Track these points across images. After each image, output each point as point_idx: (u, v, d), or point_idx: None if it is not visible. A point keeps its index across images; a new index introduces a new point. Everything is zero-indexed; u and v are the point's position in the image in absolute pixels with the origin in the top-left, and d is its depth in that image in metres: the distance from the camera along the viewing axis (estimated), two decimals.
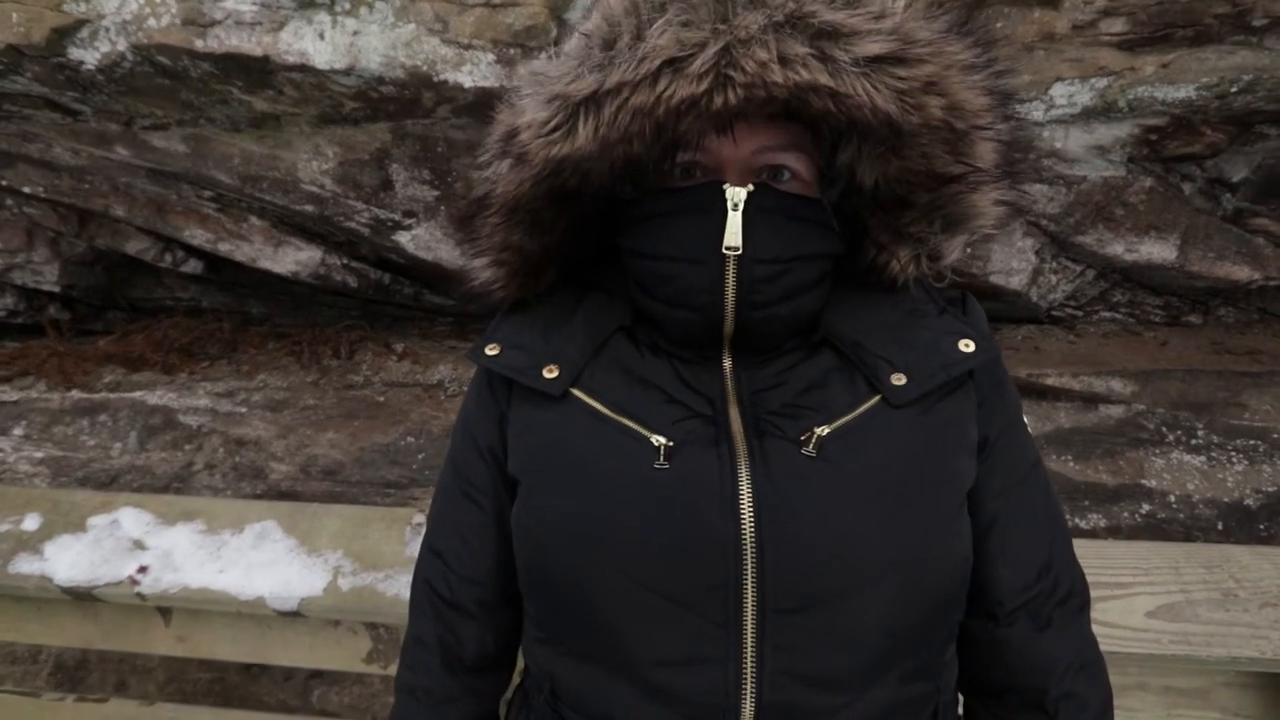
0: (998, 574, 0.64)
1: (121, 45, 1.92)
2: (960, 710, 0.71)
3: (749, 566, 0.55)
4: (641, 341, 0.65)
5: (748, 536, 0.55)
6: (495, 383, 0.68)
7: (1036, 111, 1.98)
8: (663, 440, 0.58)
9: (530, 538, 0.63)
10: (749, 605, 0.55)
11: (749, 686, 0.55)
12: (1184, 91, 1.90)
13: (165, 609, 1.33)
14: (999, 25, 1.87)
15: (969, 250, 0.66)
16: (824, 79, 0.52)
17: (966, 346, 0.62)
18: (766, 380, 0.62)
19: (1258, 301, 2.43)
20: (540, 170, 0.59)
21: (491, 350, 0.66)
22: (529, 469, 0.64)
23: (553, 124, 0.57)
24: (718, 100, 0.52)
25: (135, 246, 2.76)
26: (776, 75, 0.52)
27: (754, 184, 0.58)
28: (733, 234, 0.56)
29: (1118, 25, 1.82)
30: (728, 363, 0.63)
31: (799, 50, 0.52)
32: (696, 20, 0.53)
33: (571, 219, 0.64)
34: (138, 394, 2.55)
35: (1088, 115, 1.98)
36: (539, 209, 0.62)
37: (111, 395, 2.56)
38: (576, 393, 0.62)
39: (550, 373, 0.63)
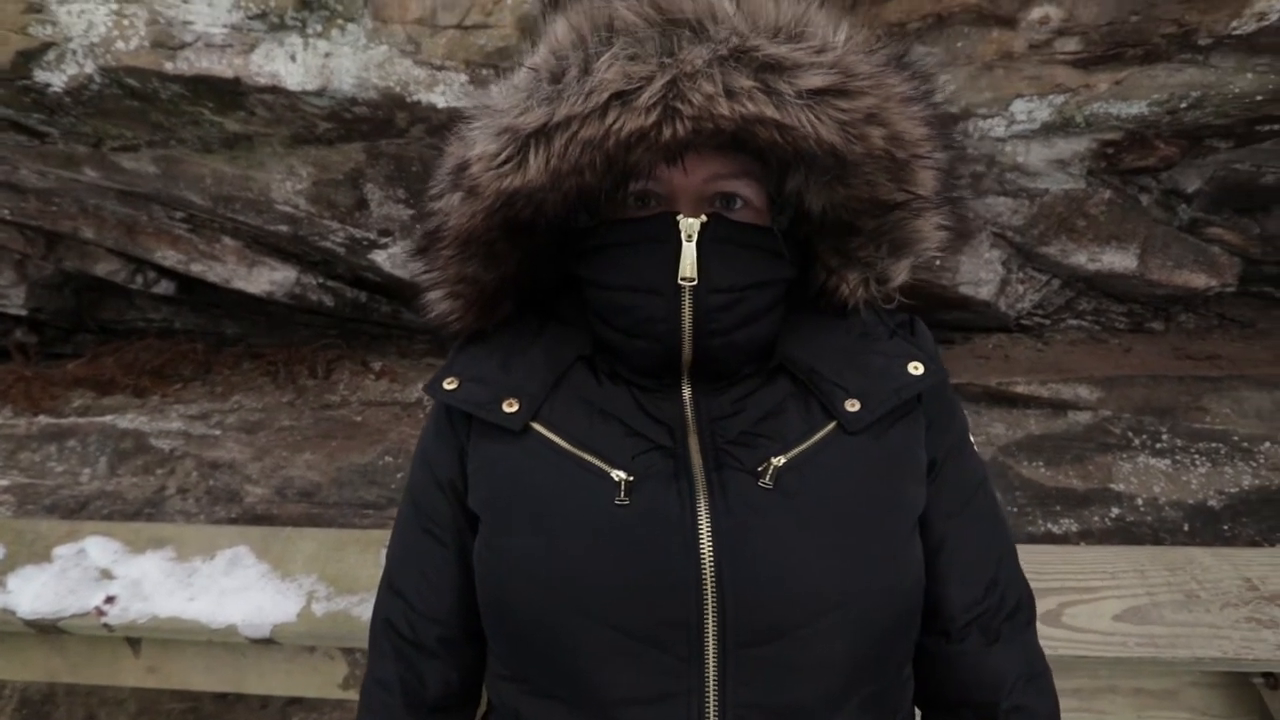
0: (948, 592, 0.65)
1: (89, 68, 1.90)
2: None
3: (710, 602, 0.55)
4: (600, 370, 0.65)
5: (708, 572, 0.55)
6: (454, 416, 0.67)
7: (999, 127, 2.04)
8: (623, 475, 0.58)
9: (492, 575, 0.62)
10: (710, 640, 0.55)
11: None
12: (1136, 108, 1.97)
13: (134, 639, 1.30)
14: (959, 45, 1.93)
15: (938, 263, 0.68)
16: (769, 111, 0.53)
17: (916, 369, 0.63)
18: (725, 408, 0.62)
19: (1216, 307, 2.51)
20: (492, 202, 0.59)
21: (450, 384, 0.65)
22: (490, 505, 0.63)
23: (503, 156, 0.57)
24: (666, 132, 0.53)
25: (105, 268, 2.72)
26: (723, 108, 0.53)
27: (707, 214, 0.59)
28: (688, 265, 0.57)
29: (1071, 44, 1.89)
30: (687, 391, 0.63)
31: (744, 83, 0.53)
32: (643, 54, 0.54)
33: (526, 250, 0.64)
34: (108, 418, 2.50)
35: (1047, 130, 2.04)
36: (493, 240, 0.62)
37: (81, 420, 2.51)
38: (537, 427, 0.62)
39: (510, 407, 0.62)
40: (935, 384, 0.64)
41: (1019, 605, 0.68)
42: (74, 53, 1.89)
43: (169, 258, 2.56)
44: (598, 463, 0.59)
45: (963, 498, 0.67)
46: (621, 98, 0.53)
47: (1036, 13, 1.86)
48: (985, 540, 0.68)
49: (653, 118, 0.53)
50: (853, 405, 0.61)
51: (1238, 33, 1.81)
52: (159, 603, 1.25)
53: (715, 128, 0.54)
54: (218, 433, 2.45)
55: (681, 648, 0.55)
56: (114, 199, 2.43)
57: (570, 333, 0.67)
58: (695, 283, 0.58)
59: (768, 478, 0.57)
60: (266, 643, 1.23)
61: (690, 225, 0.57)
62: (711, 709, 0.55)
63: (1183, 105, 1.97)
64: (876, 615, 0.59)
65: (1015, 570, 0.70)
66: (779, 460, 0.58)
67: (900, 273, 0.66)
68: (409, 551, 0.69)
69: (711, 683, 0.55)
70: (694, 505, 0.57)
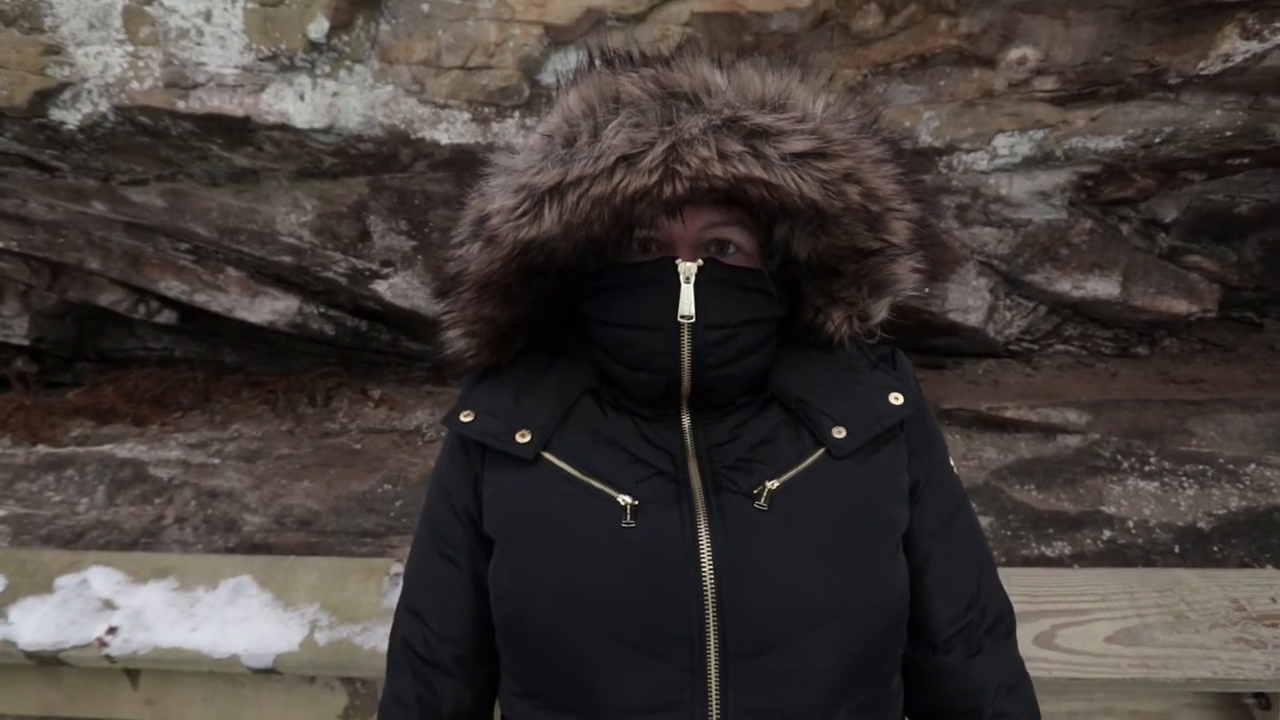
0: (933, 607, 0.71)
1: (104, 106, 1.96)
2: None
3: (711, 616, 0.60)
4: (605, 401, 0.70)
5: (709, 589, 0.60)
6: (469, 446, 0.72)
7: (982, 161, 2.12)
8: (629, 500, 0.63)
9: (507, 596, 0.67)
10: (712, 652, 0.60)
11: None
12: (1113, 142, 2.06)
13: (133, 671, 1.30)
14: (942, 83, 2.01)
15: (926, 291, 0.73)
16: (758, 172, 0.61)
17: (896, 399, 0.69)
18: (722, 435, 0.67)
19: (1198, 332, 2.57)
20: (510, 250, 0.65)
21: (466, 417, 0.70)
22: (504, 530, 0.68)
23: (520, 210, 0.64)
24: (667, 190, 0.61)
25: (108, 298, 2.75)
26: (717, 169, 0.60)
27: (703, 259, 0.65)
28: (686, 304, 0.63)
29: (1049, 83, 1.98)
30: (686, 419, 0.68)
31: (735, 148, 0.61)
32: (646, 123, 0.62)
33: (538, 292, 0.70)
34: (107, 447, 2.50)
35: (1029, 164, 2.13)
36: (509, 284, 0.69)
37: (79, 449, 2.51)
38: (548, 456, 0.66)
39: (523, 437, 0.67)
40: (914, 413, 0.70)
41: (999, 618, 0.73)
42: (89, 92, 1.96)
43: (173, 288, 2.60)
44: (605, 488, 0.64)
45: (944, 517, 0.72)
46: (627, 160, 0.61)
47: (1014, 53, 1.95)
48: (966, 557, 0.73)
49: (655, 178, 0.60)
50: (839, 432, 0.66)
51: (1205, 73, 1.90)
52: (161, 633, 1.25)
53: (710, 186, 0.61)
54: (217, 461, 2.46)
55: (684, 659, 0.60)
56: (121, 231, 2.48)
57: (577, 367, 0.72)
58: (693, 320, 0.63)
59: (762, 500, 0.62)
60: (267, 673, 1.24)
61: (687, 269, 0.64)
62: (714, 716, 0.59)
63: (1157, 140, 2.05)
64: (863, 626, 0.63)
65: (995, 584, 0.75)
66: (773, 484, 0.63)
67: (880, 311, 0.72)
68: (426, 575, 0.74)
69: (714, 691, 0.60)
70: (694, 527, 0.62)
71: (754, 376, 0.69)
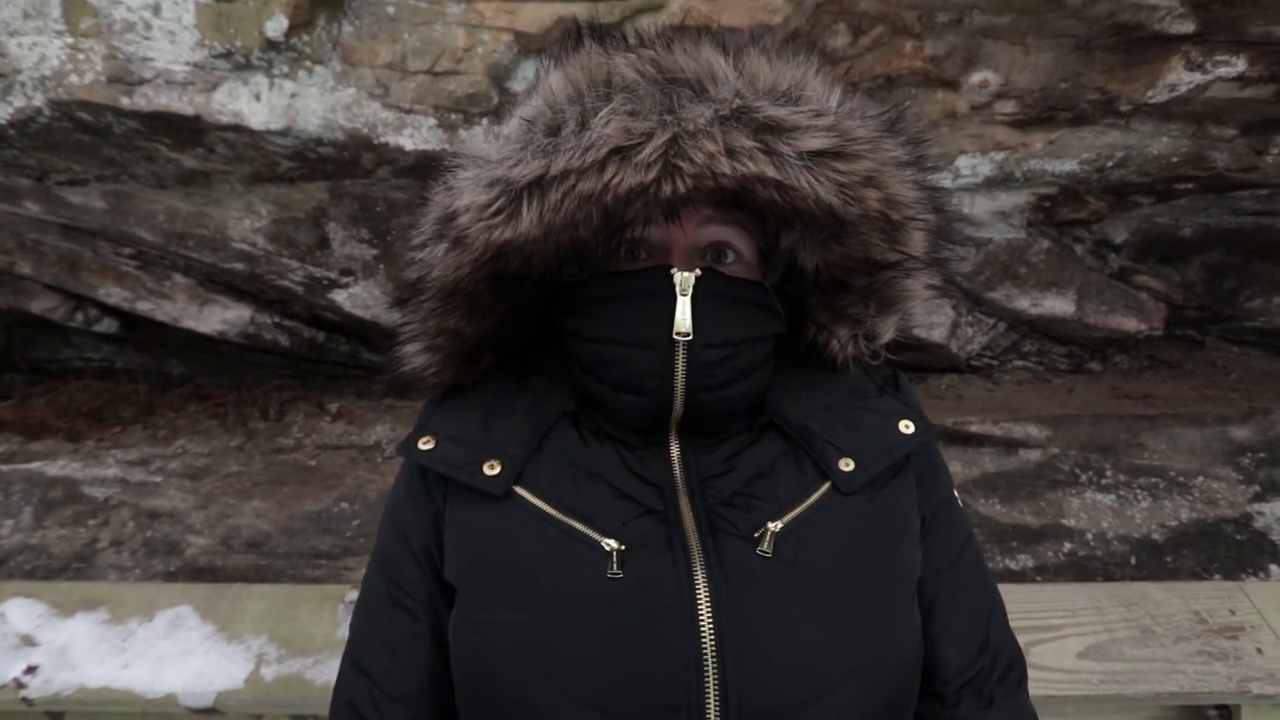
0: (941, 654, 0.64)
1: (38, 101, 1.84)
2: None
3: (711, 684, 0.52)
4: (585, 427, 0.63)
5: (708, 652, 0.53)
6: (430, 477, 0.63)
7: (945, 181, 2.17)
8: (614, 545, 0.55)
9: (472, 655, 0.58)
10: None
11: None
12: (1068, 165, 2.13)
13: (56, 714, 1.19)
14: (907, 104, 2.05)
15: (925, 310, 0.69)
16: (770, 171, 0.54)
17: (907, 427, 0.63)
18: (715, 466, 0.61)
19: (1147, 350, 2.68)
20: (480, 254, 0.57)
21: (425, 444, 0.62)
22: (469, 578, 0.59)
23: (494, 208, 0.56)
24: (666, 188, 0.53)
25: (42, 305, 2.58)
26: (724, 166, 0.53)
27: (701, 268, 0.58)
28: (682, 320, 0.56)
29: (1009, 107, 2.04)
30: (675, 448, 0.61)
31: (745, 143, 0.53)
32: (643, 110, 0.54)
33: (510, 302, 0.63)
34: (35, 465, 2.33)
35: (990, 184, 2.19)
36: (478, 293, 0.60)
37: (4, 467, 2.33)
38: (520, 491, 0.59)
39: (491, 469, 0.59)
40: (924, 441, 0.64)
41: (1010, 665, 0.67)
42: (22, 85, 1.83)
43: (113, 295, 2.45)
44: (587, 531, 0.56)
45: (952, 555, 0.66)
46: (621, 153, 0.53)
47: (976, 77, 2.00)
48: (975, 598, 0.67)
49: (653, 174, 0.53)
50: (846, 464, 0.59)
51: (1153, 101, 1.99)
52: (88, 671, 1.15)
53: (716, 185, 0.54)
54: (158, 479, 2.31)
55: None
56: (56, 234, 2.33)
57: (553, 387, 0.65)
58: (690, 337, 0.57)
59: (765, 545, 0.55)
60: (208, 713, 1.15)
61: (685, 280, 0.57)
62: None
63: (1109, 164, 2.14)
64: (881, 689, 0.57)
65: (1004, 628, 0.69)
66: (775, 525, 0.56)
67: (888, 330, 0.66)
68: (376, 625, 0.64)
69: None
70: (691, 577, 0.54)
71: (751, 400, 0.62)
